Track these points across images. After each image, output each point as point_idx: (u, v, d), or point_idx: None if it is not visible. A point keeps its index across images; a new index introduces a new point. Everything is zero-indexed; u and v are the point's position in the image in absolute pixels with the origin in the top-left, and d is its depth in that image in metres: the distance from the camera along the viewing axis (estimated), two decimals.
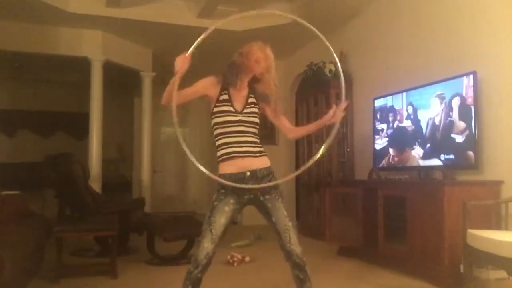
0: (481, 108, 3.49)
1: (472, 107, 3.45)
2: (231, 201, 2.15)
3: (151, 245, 4.21)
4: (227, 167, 2.15)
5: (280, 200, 2.20)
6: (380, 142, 4.51)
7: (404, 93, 4.20)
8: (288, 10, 5.48)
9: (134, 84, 7.54)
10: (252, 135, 2.19)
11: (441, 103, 3.75)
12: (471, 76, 3.46)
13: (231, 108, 2.16)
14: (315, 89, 5.71)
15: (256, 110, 2.23)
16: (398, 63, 4.60)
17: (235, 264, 4.01)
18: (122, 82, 7.83)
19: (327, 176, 5.36)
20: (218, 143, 2.19)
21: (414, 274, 3.49)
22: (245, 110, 2.18)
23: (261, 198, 2.17)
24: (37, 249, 3.35)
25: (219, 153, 2.19)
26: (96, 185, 5.48)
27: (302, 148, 6.09)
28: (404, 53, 4.52)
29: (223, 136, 2.16)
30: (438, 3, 4.13)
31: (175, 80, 2.09)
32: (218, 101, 2.18)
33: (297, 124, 6.31)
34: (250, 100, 2.23)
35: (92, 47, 5.89)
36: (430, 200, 3.40)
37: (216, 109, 2.18)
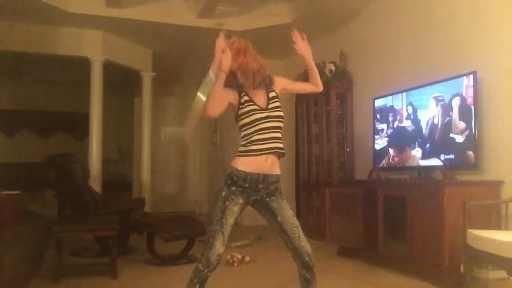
0: (481, 108, 3.49)
1: (472, 107, 3.45)
2: (240, 201, 2.15)
3: (151, 245, 4.20)
4: (247, 165, 2.14)
5: (284, 200, 2.23)
6: (380, 142, 4.51)
7: (404, 93, 4.20)
8: (288, 10, 5.49)
9: (134, 84, 7.54)
10: (280, 130, 2.20)
11: (437, 104, 3.75)
12: (471, 76, 3.46)
13: (256, 107, 2.16)
14: None
15: (279, 103, 2.22)
16: (398, 63, 4.60)
17: (235, 264, 4.01)
18: (122, 82, 7.83)
19: (327, 176, 5.36)
20: (247, 140, 2.16)
21: (414, 274, 3.49)
22: (270, 106, 2.18)
23: (267, 199, 2.19)
24: (37, 249, 3.35)
25: (244, 148, 2.17)
26: (96, 185, 5.48)
27: (302, 148, 6.09)
28: (404, 53, 4.52)
29: (253, 134, 2.15)
30: (438, 3, 4.13)
31: (221, 79, 2.09)
32: (240, 103, 2.17)
33: (297, 123, 6.32)
34: (271, 95, 2.23)
35: (92, 47, 5.90)
36: (430, 200, 3.40)
37: (241, 111, 2.17)
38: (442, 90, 3.76)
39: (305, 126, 6.02)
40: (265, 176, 2.15)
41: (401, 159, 4.22)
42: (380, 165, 4.46)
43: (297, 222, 2.19)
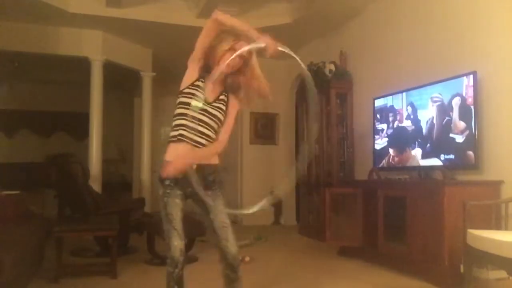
0: (481, 108, 3.49)
1: (472, 107, 3.45)
2: (178, 192, 2.10)
3: (151, 245, 4.20)
4: (173, 152, 2.08)
5: (221, 197, 2.14)
6: (380, 142, 4.51)
7: (404, 93, 4.20)
8: (288, 10, 5.50)
9: (134, 84, 7.54)
10: (211, 130, 2.10)
11: (437, 105, 3.75)
12: (471, 76, 3.46)
13: (201, 95, 2.07)
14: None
15: (223, 107, 2.13)
16: (398, 63, 4.60)
17: None
18: (122, 82, 7.83)
19: (327, 176, 5.36)
20: (174, 123, 2.10)
21: (414, 274, 3.49)
22: (214, 104, 2.10)
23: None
24: (37, 249, 3.35)
25: (172, 133, 2.11)
26: (96, 185, 5.48)
27: (302, 149, 6.09)
28: (404, 53, 4.52)
29: (183, 117, 2.07)
30: (438, 3, 4.13)
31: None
32: (193, 84, 2.11)
33: (297, 123, 6.31)
34: (221, 97, 2.15)
35: (92, 47, 5.90)
36: (430, 200, 3.40)
37: (187, 90, 2.10)
38: (442, 90, 3.76)
39: (305, 126, 6.02)
40: (198, 166, 2.06)
41: (401, 159, 4.22)
42: (380, 165, 4.46)
43: (228, 222, 2.11)
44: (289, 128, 7.00)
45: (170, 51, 6.78)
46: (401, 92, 4.24)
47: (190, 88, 2.10)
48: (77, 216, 4.59)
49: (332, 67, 5.39)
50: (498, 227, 3.22)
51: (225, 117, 2.15)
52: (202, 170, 2.09)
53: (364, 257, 4.13)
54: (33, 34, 5.58)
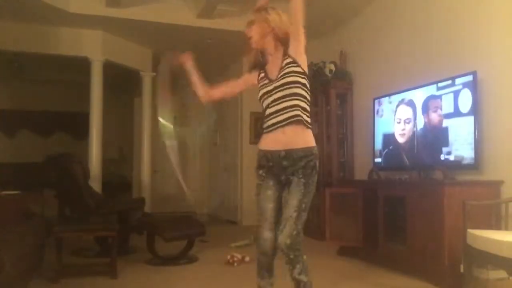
0: (481, 108, 3.49)
1: (472, 107, 3.45)
2: (271, 183, 2.12)
3: (151, 245, 4.20)
4: (265, 142, 2.14)
5: (301, 188, 2.06)
6: (380, 142, 4.50)
7: (404, 93, 4.20)
8: (288, 10, 5.49)
9: (134, 84, 7.54)
10: (294, 98, 2.06)
11: (437, 104, 3.75)
12: (471, 76, 3.46)
13: (265, 81, 2.16)
14: (315, 89, 5.69)
15: (294, 69, 2.09)
16: (398, 63, 4.60)
17: (235, 264, 4.01)
18: (122, 82, 7.83)
19: (327, 176, 5.36)
20: (265, 119, 2.16)
21: (414, 274, 3.49)
22: (280, 74, 2.11)
23: (290, 178, 2.09)
24: (37, 249, 3.35)
25: (264, 125, 2.17)
26: (96, 185, 5.48)
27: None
28: (404, 53, 4.52)
29: (265, 109, 2.14)
30: (438, 3, 4.13)
31: (193, 73, 2.28)
32: (258, 80, 2.22)
33: None
34: (285, 61, 2.14)
35: (92, 47, 5.90)
36: (430, 200, 3.40)
37: (261, 91, 2.18)
38: (442, 90, 3.76)
39: None
40: (288, 151, 2.06)
41: (401, 159, 4.21)
42: (380, 165, 4.46)
43: (294, 214, 2.04)
44: None
45: (170, 51, 6.79)
46: (401, 92, 4.24)
47: (259, 87, 2.20)
48: (77, 216, 4.59)
49: (332, 67, 5.39)
50: (498, 227, 3.22)
51: (297, 68, 2.12)
52: (292, 154, 2.07)
53: (364, 257, 4.13)
54: (33, 34, 5.59)
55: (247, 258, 4.14)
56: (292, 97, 2.06)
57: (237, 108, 7.25)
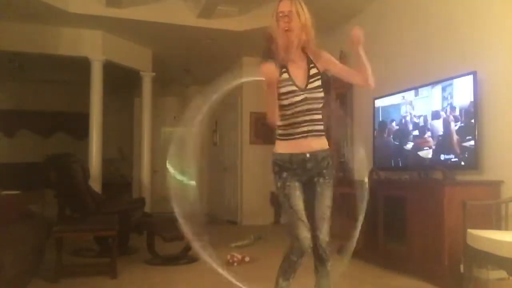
0: (481, 108, 3.49)
1: (472, 107, 3.45)
2: (297, 183, 2.10)
3: (151, 245, 4.20)
4: (287, 147, 2.10)
5: (330, 189, 2.15)
6: (381, 142, 4.50)
7: (404, 93, 4.20)
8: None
9: (134, 84, 7.54)
10: (317, 112, 2.10)
11: (437, 104, 3.75)
12: (471, 76, 3.46)
13: (294, 87, 2.06)
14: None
15: (319, 83, 2.11)
16: (398, 63, 4.60)
17: (235, 264, 4.01)
18: (122, 82, 7.83)
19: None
20: (283, 123, 2.10)
21: (414, 274, 3.49)
22: (309, 86, 2.08)
23: (315, 179, 2.12)
24: (37, 249, 3.35)
25: (281, 131, 2.12)
26: (96, 185, 5.48)
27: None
28: (404, 53, 4.52)
29: (290, 117, 2.08)
30: (438, 3, 4.13)
31: (273, 92, 1.97)
32: (279, 82, 2.05)
33: None
34: (312, 72, 2.11)
35: (92, 47, 5.90)
36: (430, 200, 3.40)
37: (280, 90, 2.05)
38: (442, 90, 3.76)
39: None
40: (312, 154, 2.09)
41: (401, 159, 4.21)
42: (380, 165, 4.46)
43: (328, 214, 2.12)
44: None
45: (170, 51, 6.79)
46: (401, 92, 4.24)
47: (281, 87, 2.05)
48: (77, 216, 4.58)
49: None
50: (498, 227, 3.22)
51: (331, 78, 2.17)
52: (316, 156, 2.10)
53: (364, 257, 4.13)
54: (33, 34, 5.58)
55: (247, 258, 4.14)
56: (317, 112, 2.11)
57: (237, 108, 7.25)
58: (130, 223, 4.68)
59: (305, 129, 2.08)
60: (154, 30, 5.85)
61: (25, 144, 8.34)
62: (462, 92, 3.55)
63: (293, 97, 2.05)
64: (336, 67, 2.24)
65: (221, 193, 8.13)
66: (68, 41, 5.81)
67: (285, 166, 2.10)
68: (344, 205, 4.51)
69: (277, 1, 2.10)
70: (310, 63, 2.13)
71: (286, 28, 2.04)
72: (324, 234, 2.11)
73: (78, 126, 7.43)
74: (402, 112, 4.22)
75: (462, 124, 3.54)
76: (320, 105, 2.11)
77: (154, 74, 6.83)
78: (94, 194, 4.87)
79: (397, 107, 4.30)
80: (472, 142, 3.44)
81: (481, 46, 3.61)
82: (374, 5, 4.99)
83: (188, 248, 4.28)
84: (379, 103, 4.56)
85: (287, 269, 2.13)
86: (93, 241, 4.59)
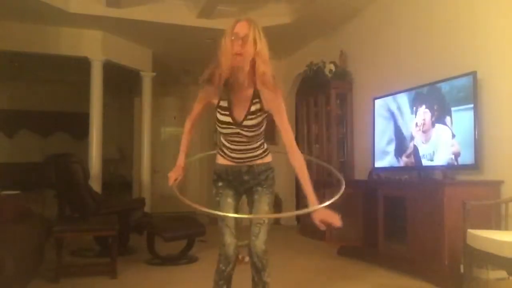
0: (481, 108, 3.49)
1: (472, 107, 3.45)
2: (230, 192, 2.14)
3: (151, 245, 4.20)
4: (224, 160, 2.15)
5: (268, 196, 2.14)
6: (380, 142, 4.50)
7: (404, 93, 4.20)
8: (288, 10, 5.49)
9: (134, 84, 7.54)
10: (254, 140, 2.05)
11: (437, 104, 3.75)
12: (471, 76, 3.46)
13: (230, 119, 1.98)
14: (315, 89, 5.71)
15: (258, 120, 1.99)
16: (398, 63, 4.60)
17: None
18: (122, 82, 7.83)
19: (327, 176, 5.36)
20: (222, 144, 2.14)
21: (414, 274, 3.49)
22: (245, 123, 1.97)
23: (253, 189, 2.15)
24: (37, 249, 3.35)
25: (221, 148, 2.15)
26: (96, 185, 5.48)
27: (302, 149, 6.09)
28: (404, 53, 4.52)
29: (224, 140, 2.11)
30: (438, 3, 4.13)
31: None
32: (218, 107, 1.99)
33: (297, 123, 6.30)
34: (253, 108, 1.96)
35: (92, 47, 5.90)
36: (430, 200, 3.40)
37: (217, 116, 2.02)
38: (442, 90, 3.76)
39: (305, 126, 6.02)
40: (250, 167, 2.11)
41: (401, 159, 4.21)
42: (380, 165, 4.46)
43: (265, 220, 2.09)
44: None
45: (170, 51, 6.79)
46: (401, 92, 4.24)
47: (218, 114, 2.00)
48: (77, 216, 4.59)
49: (332, 67, 5.38)
50: (498, 227, 3.22)
51: (266, 117, 2.01)
52: (253, 169, 2.12)
53: (364, 257, 4.13)
54: (33, 34, 5.58)
55: (246, 259, 4.12)
56: (253, 141, 2.07)
57: None
58: (130, 223, 4.69)
59: (240, 156, 2.09)
60: (154, 30, 5.86)
61: (25, 144, 8.34)
62: (462, 92, 3.54)
63: (227, 128, 2.01)
64: (277, 119, 1.99)
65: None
66: (68, 41, 5.81)
67: (222, 177, 2.14)
68: (343, 205, 4.53)
69: (233, 21, 1.94)
70: (255, 97, 1.96)
71: (238, 52, 1.86)
72: (260, 241, 2.06)
73: (78, 126, 7.43)
74: (402, 112, 4.22)
75: (462, 124, 3.53)
76: (258, 131, 2.04)
77: (154, 74, 6.83)
78: (94, 194, 4.87)
79: (397, 107, 4.30)
80: (472, 142, 3.44)
81: (481, 46, 3.61)
82: (374, 5, 4.99)
83: (188, 248, 4.29)
84: (379, 103, 4.56)
85: (218, 281, 2.10)
86: (93, 241, 4.59)
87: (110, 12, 5.34)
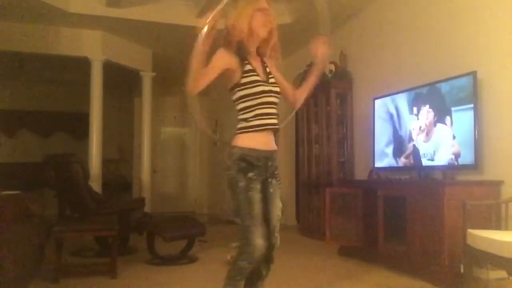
0: (481, 108, 3.49)
1: (472, 107, 3.45)
2: (258, 186, 2.00)
3: (151, 245, 4.20)
4: (256, 142, 2.01)
5: (279, 190, 2.13)
6: (380, 142, 4.50)
7: (404, 93, 4.20)
8: (288, 10, 5.49)
9: (134, 84, 7.54)
10: (276, 106, 2.08)
11: (437, 104, 3.75)
12: (471, 76, 3.46)
13: (259, 78, 2.02)
14: (315, 89, 5.68)
15: (274, 80, 2.12)
16: (398, 63, 4.60)
17: None
18: (122, 82, 7.83)
19: (327, 176, 5.36)
20: (248, 115, 2.01)
21: (414, 274, 3.49)
22: (270, 80, 2.06)
23: (269, 180, 2.07)
24: (37, 249, 3.35)
25: (249, 123, 2.01)
26: (96, 185, 5.49)
27: (302, 148, 6.09)
28: (404, 53, 4.52)
29: (255, 107, 2.00)
30: (438, 3, 4.13)
31: (203, 50, 1.95)
32: (244, 71, 2.00)
33: (297, 123, 6.30)
34: (267, 69, 2.12)
35: (92, 47, 5.90)
36: (430, 200, 3.40)
37: (244, 80, 1.99)
38: (442, 90, 3.76)
39: (305, 126, 6.02)
40: (271, 152, 2.07)
41: (401, 159, 4.21)
42: (380, 165, 4.46)
43: (280, 214, 2.12)
44: (289, 128, 7.00)
45: (170, 51, 6.79)
46: (401, 92, 4.24)
47: (245, 77, 2.00)
48: (77, 216, 4.59)
49: (332, 67, 5.39)
50: (498, 227, 3.22)
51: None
52: (273, 155, 2.09)
53: (364, 257, 4.13)
54: (33, 34, 5.59)
55: None
56: (276, 106, 2.09)
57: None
58: (130, 223, 4.69)
59: (270, 121, 2.04)
60: (154, 30, 5.86)
61: (25, 144, 8.35)
62: (462, 92, 3.54)
63: (258, 86, 1.99)
64: (277, 75, 2.17)
65: (221, 193, 8.13)
66: (68, 41, 5.82)
67: (253, 164, 1.98)
68: (344, 205, 4.53)
69: None
70: (263, 62, 2.13)
71: (274, 25, 2.08)
72: (278, 237, 2.10)
73: (78, 126, 7.44)
74: (402, 112, 4.22)
75: (462, 124, 3.53)
76: (278, 100, 2.10)
77: (154, 74, 6.84)
78: (94, 194, 4.87)
79: (397, 107, 4.30)
80: (472, 142, 3.44)
81: (481, 46, 3.61)
82: (374, 5, 4.99)
83: (188, 248, 4.29)
84: (379, 103, 4.56)
85: (235, 276, 1.96)
86: (93, 241, 4.59)
87: (110, 12, 5.34)
